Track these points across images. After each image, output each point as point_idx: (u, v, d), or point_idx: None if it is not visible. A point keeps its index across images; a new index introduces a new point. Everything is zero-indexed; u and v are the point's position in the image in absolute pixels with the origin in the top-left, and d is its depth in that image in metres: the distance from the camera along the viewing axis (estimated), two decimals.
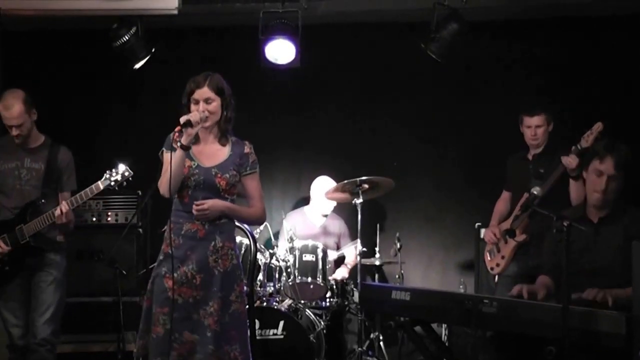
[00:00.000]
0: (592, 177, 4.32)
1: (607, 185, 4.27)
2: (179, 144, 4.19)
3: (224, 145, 4.44)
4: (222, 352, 4.26)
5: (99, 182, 5.04)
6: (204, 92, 4.35)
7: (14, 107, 5.06)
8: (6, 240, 5.09)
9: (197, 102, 4.34)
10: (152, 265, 4.57)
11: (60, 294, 5.26)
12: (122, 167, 5.05)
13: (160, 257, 4.35)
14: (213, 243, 4.33)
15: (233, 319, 4.33)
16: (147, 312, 4.32)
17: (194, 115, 4.23)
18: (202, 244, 4.32)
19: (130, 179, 5.08)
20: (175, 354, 4.20)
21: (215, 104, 4.36)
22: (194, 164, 4.35)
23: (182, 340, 4.22)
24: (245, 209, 4.51)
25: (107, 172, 5.05)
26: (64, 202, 5.07)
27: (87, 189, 5.07)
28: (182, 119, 4.18)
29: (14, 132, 5.14)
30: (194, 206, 4.27)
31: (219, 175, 4.34)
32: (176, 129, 4.15)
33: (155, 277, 4.33)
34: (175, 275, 4.23)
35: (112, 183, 5.04)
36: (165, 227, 4.39)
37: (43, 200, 5.15)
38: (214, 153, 4.42)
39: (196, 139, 4.35)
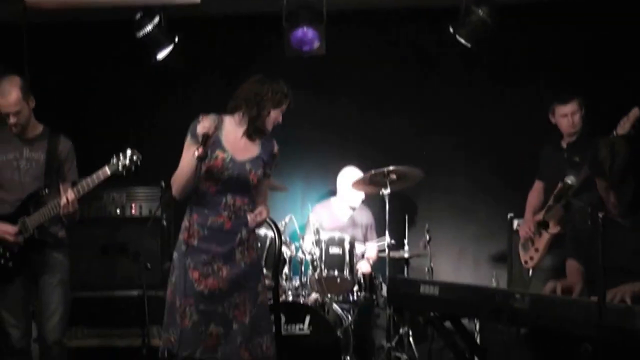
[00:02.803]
0: (603, 192, 4.12)
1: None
2: (196, 154, 4.08)
3: (253, 140, 4.35)
4: (254, 344, 4.23)
5: (106, 168, 4.80)
6: None
7: (11, 93, 4.81)
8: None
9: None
10: None
11: (66, 294, 5.01)
12: (129, 151, 4.82)
13: (183, 248, 4.24)
14: (239, 235, 4.27)
15: (260, 310, 4.30)
16: (172, 306, 4.24)
17: (207, 126, 4.14)
18: (229, 236, 4.25)
19: (139, 163, 4.83)
20: (203, 347, 4.15)
21: None
22: (227, 157, 4.25)
23: (208, 333, 4.17)
24: None
25: (114, 156, 4.82)
26: (69, 191, 4.81)
27: (94, 175, 4.81)
28: (200, 132, 4.11)
29: (12, 120, 4.86)
30: (252, 216, 4.25)
31: (253, 171, 4.27)
32: (200, 150, 4.06)
33: (179, 270, 4.24)
34: (200, 267, 4.19)
35: (120, 168, 4.80)
36: (185, 217, 4.30)
37: (47, 191, 4.91)
38: (245, 147, 4.33)
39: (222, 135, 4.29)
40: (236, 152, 4.27)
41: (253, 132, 4.31)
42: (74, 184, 4.94)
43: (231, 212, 4.25)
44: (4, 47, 6.80)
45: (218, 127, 4.25)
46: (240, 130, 4.31)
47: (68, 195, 4.79)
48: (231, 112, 4.32)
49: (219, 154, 4.22)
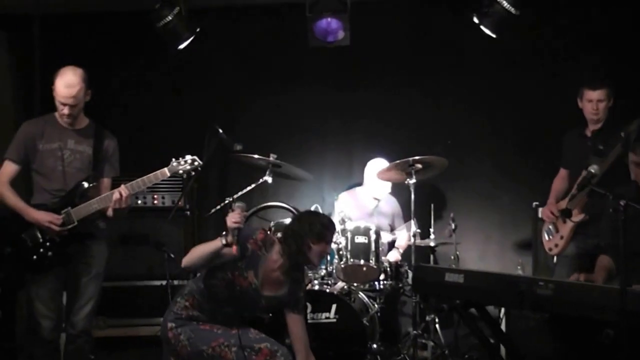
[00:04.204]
0: (634, 169, 4.14)
1: None
2: (223, 242, 4.13)
3: (286, 277, 4.38)
4: None
5: (165, 169, 4.85)
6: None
7: (76, 86, 4.85)
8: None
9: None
10: None
11: (100, 286, 5.09)
12: (189, 157, 4.87)
13: (184, 317, 4.36)
14: None
15: None
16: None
17: (238, 220, 4.19)
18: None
19: (199, 168, 4.89)
20: None
21: None
22: (255, 285, 4.28)
23: (256, 350, 4.23)
24: None
25: (174, 159, 4.86)
26: (123, 186, 4.83)
27: (152, 175, 4.85)
28: (230, 226, 4.16)
29: (67, 111, 4.88)
30: None
31: (265, 310, 4.48)
32: (229, 239, 4.13)
33: (189, 327, 4.31)
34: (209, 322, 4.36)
35: (181, 171, 4.85)
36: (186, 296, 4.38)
37: (90, 184, 4.94)
38: (275, 282, 4.36)
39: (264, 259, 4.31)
40: (265, 284, 4.31)
41: (293, 266, 4.34)
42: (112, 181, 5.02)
43: (227, 319, 4.35)
44: (16, 37, 6.84)
45: (267, 248, 4.30)
46: (280, 261, 4.33)
47: (122, 191, 4.83)
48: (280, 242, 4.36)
49: (250, 276, 4.26)
